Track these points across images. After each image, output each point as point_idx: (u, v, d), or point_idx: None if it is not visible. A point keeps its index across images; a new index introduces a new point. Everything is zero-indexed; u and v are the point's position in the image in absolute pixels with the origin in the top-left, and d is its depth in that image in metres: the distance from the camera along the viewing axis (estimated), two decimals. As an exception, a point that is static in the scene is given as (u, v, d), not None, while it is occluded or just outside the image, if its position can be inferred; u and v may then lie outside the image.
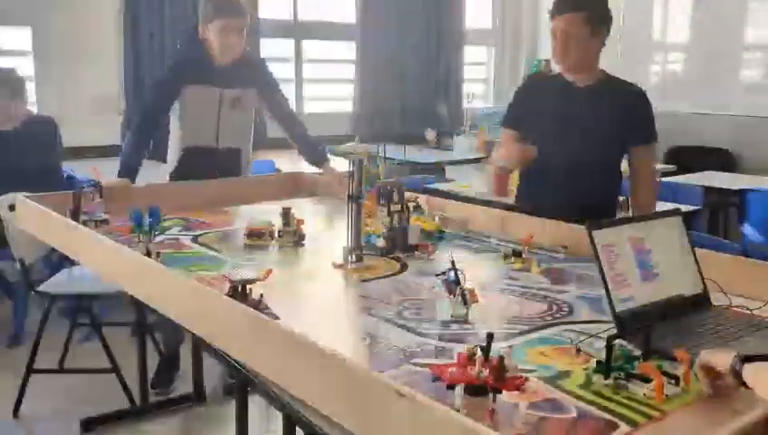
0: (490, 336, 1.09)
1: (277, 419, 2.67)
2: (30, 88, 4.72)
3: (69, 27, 4.76)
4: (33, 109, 4.70)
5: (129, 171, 2.76)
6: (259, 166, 4.79)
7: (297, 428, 1.73)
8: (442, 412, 0.92)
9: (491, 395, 1.04)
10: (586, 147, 2.44)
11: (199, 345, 2.87)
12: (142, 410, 3.07)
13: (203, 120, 2.97)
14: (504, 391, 1.05)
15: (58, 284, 3.12)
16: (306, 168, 3.31)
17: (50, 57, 4.74)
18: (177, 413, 3.13)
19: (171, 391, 3.20)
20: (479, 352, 1.08)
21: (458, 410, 1.01)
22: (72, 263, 2.97)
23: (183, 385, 3.22)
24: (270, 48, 5.62)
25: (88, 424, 2.94)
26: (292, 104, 5.82)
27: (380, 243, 2.01)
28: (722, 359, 1.10)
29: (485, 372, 1.04)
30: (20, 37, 4.76)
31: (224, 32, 2.86)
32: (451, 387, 1.06)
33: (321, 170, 3.07)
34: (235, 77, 2.95)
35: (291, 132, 3.16)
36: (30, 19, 4.68)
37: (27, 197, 2.39)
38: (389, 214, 2.00)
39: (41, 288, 3.04)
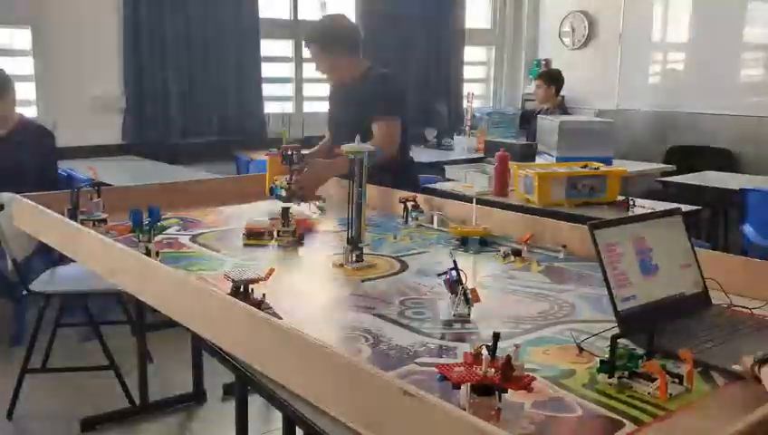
0: (496, 336, 1.09)
1: (277, 418, 2.67)
2: (30, 88, 4.73)
3: (69, 27, 4.76)
4: (33, 109, 4.71)
5: None
6: (259, 166, 4.79)
7: (297, 428, 1.73)
8: (448, 411, 0.92)
9: (497, 395, 1.03)
10: None
11: (199, 345, 2.87)
12: (142, 410, 3.07)
13: None
14: (510, 391, 1.05)
15: (51, 282, 3.12)
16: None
17: (50, 57, 4.74)
18: (177, 413, 3.13)
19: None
20: (485, 352, 1.07)
21: (464, 410, 1.01)
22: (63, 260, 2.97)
23: (183, 385, 3.21)
24: (270, 48, 5.62)
25: (87, 424, 2.93)
26: (292, 104, 5.89)
27: (283, 193, 2.48)
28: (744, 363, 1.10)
29: (492, 372, 1.04)
30: (20, 37, 4.75)
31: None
32: (456, 386, 1.05)
33: None
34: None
35: None
36: (30, 19, 4.68)
37: (25, 196, 2.38)
38: (290, 171, 2.47)
39: (34, 287, 3.03)
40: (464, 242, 2.12)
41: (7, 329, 3.71)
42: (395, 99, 3.15)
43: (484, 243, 2.12)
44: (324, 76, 3.29)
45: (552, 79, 5.79)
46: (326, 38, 3.18)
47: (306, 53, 3.27)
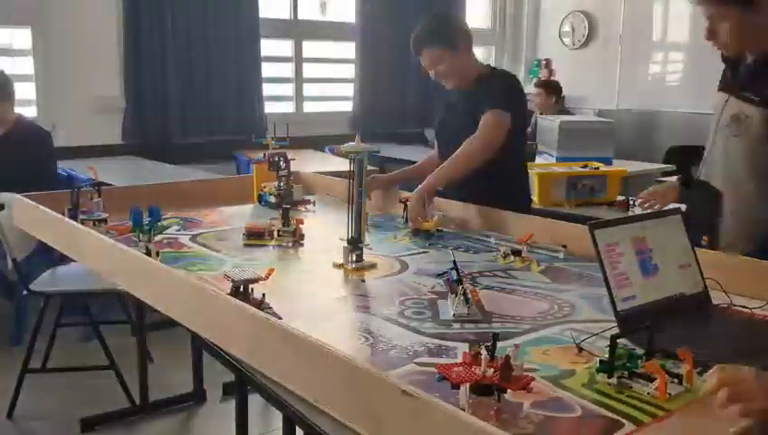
0: (495, 336, 1.09)
1: (277, 418, 2.68)
2: (30, 88, 4.73)
3: (69, 27, 4.76)
4: (33, 109, 4.71)
5: None
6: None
7: (297, 427, 1.73)
8: (447, 411, 0.92)
9: (496, 394, 1.03)
10: None
11: (199, 345, 2.87)
12: (142, 410, 3.07)
13: None
14: (509, 391, 1.05)
15: (51, 282, 3.12)
16: (307, 167, 3.31)
17: (50, 57, 4.74)
18: (177, 413, 3.13)
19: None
20: (484, 352, 1.07)
21: (464, 410, 1.01)
22: (64, 259, 2.97)
23: (183, 385, 3.21)
24: (270, 48, 5.62)
25: (87, 424, 2.93)
26: (293, 103, 5.90)
27: (272, 199, 2.53)
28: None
29: (491, 372, 1.04)
30: (20, 37, 4.76)
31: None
32: (456, 386, 1.05)
33: None
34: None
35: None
36: (30, 19, 4.68)
37: (25, 195, 2.39)
38: (278, 177, 2.52)
39: (34, 287, 3.03)
40: (415, 233, 2.24)
41: (7, 329, 3.71)
42: (510, 93, 2.65)
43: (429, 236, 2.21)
44: (443, 82, 2.78)
45: (553, 89, 5.89)
46: (451, 37, 2.70)
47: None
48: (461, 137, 2.48)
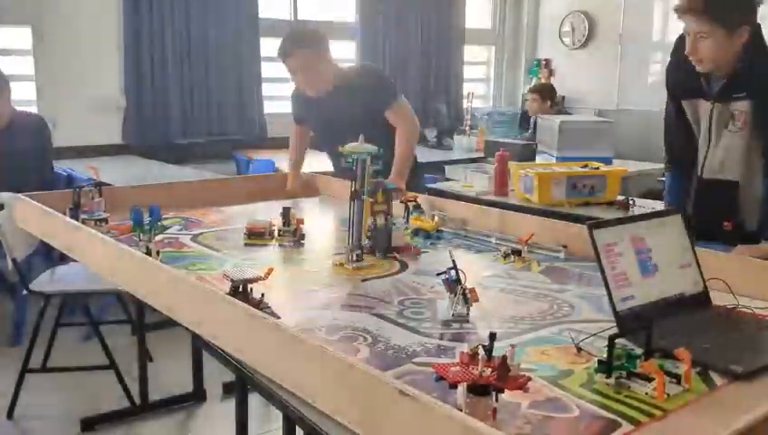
0: (493, 336, 1.09)
1: (277, 418, 2.68)
2: (30, 88, 4.74)
3: (69, 27, 4.77)
4: (33, 109, 4.71)
5: None
6: (259, 166, 4.80)
7: (297, 427, 1.73)
8: (445, 411, 0.92)
9: (493, 395, 1.04)
10: None
11: (199, 345, 2.87)
12: (142, 410, 3.07)
13: None
14: (506, 391, 1.05)
15: (51, 282, 3.12)
16: (307, 167, 3.31)
17: (50, 57, 4.74)
18: (177, 413, 3.13)
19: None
20: (482, 352, 1.07)
21: (461, 410, 1.01)
22: (64, 259, 2.97)
23: (183, 385, 3.22)
24: (270, 48, 5.62)
25: (87, 424, 2.94)
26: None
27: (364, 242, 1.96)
28: None
29: (488, 372, 1.04)
30: (20, 37, 4.76)
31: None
32: (453, 386, 1.05)
33: None
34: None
35: None
36: (30, 19, 4.69)
37: (26, 195, 2.39)
38: (373, 213, 1.95)
39: (34, 287, 3.04)
40: (416, 233, 2.22)
41: (7, 329, 3.71)
42: (388, 82, 3.27)
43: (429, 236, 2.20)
44: (307, 86, 3.09)
45: (547, 94, 5.84)
46: (318, 42, 3.04)
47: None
48: (353, 131, 2.63)
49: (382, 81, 3.23)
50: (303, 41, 3.03)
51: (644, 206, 3.13)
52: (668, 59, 2.54)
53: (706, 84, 2.33)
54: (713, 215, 2.37)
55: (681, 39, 2.33)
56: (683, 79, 2.39)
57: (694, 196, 2.46)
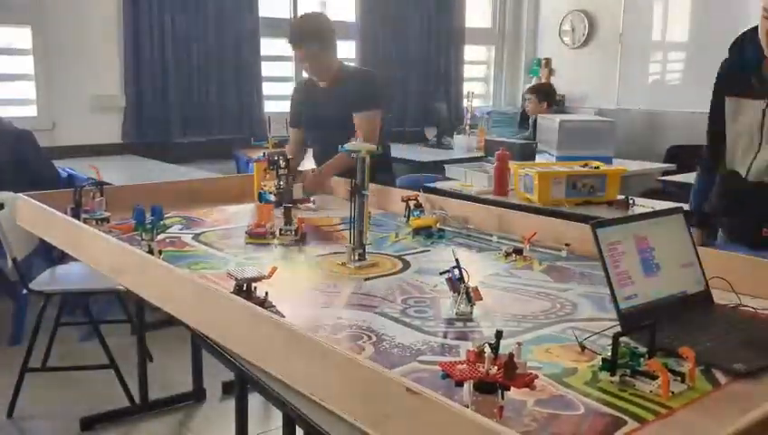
0: (499, 334, 1.09)
1: (277, 417, 2.68)
2: (30, 88, 4.73)
3: (69, 27, 4.76)
4: (33, 109, 4.71)
5: None
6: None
7: (297, 426, 1.73)
8: (451, 409, 0.92)
9: (500, 392, 1.04)
10: None
11: (199, 344, 2.87)
12: (142, 409, 3.07)
13: None
14: (512, 388, 1.05)
15: (51, 282, 3.12)
16: (307, 165, 3.31)
17: (50, 57, 4.74)
18: (177, 412, 3.13)
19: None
20: (488, 349, 1.08)
21: (467, 407, 1.01)
22: (64, 258, 2.97)
23: (183, 384, 3.22)
24: (270, 48, 5.62)
25: (87, 423, 2.94)
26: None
27: (272, 197, 2.44)
28: None
29: (495, 369, 1.04)
30: (20, 37, 4.75)
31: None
32: (459, 384, 1.05)
33: None
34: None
35: None
36: (30, 19, 4.68)
37: (28, 194, 2.39)
38: (278, 176, 2.43)
39: (34, 286, 3.03)
40: (417, 232, 2.25)
41: (7, 328, 3.71)
42: (377, 95, 3.30)
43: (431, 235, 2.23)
44: (315, 77, 3.28)
45: (545, 94, 5.80)
46: (326, 36, 3.18)
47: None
48: (331, 131, 2.68)
49: (369, 87, 3.27)
50: (314, 35, 3.16)
51: (644, 205, 3.14)
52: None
53: (758, 83, 2.20)
54: (757, 219, 2.22)
55: (743, 36, 2.28)
56: (737, 77, 2.29)
57: (733, 198, 2.32)
